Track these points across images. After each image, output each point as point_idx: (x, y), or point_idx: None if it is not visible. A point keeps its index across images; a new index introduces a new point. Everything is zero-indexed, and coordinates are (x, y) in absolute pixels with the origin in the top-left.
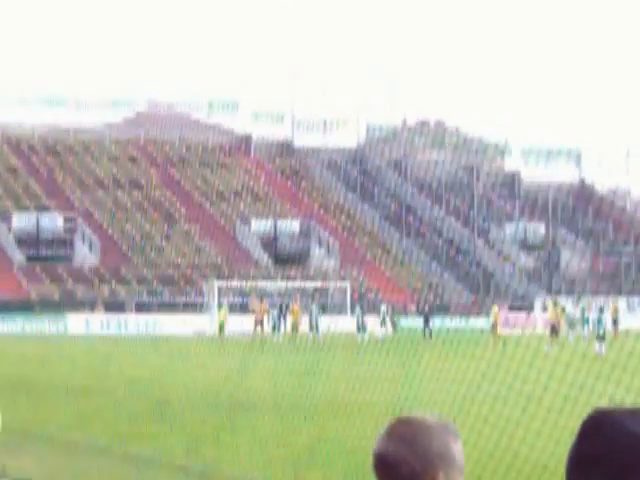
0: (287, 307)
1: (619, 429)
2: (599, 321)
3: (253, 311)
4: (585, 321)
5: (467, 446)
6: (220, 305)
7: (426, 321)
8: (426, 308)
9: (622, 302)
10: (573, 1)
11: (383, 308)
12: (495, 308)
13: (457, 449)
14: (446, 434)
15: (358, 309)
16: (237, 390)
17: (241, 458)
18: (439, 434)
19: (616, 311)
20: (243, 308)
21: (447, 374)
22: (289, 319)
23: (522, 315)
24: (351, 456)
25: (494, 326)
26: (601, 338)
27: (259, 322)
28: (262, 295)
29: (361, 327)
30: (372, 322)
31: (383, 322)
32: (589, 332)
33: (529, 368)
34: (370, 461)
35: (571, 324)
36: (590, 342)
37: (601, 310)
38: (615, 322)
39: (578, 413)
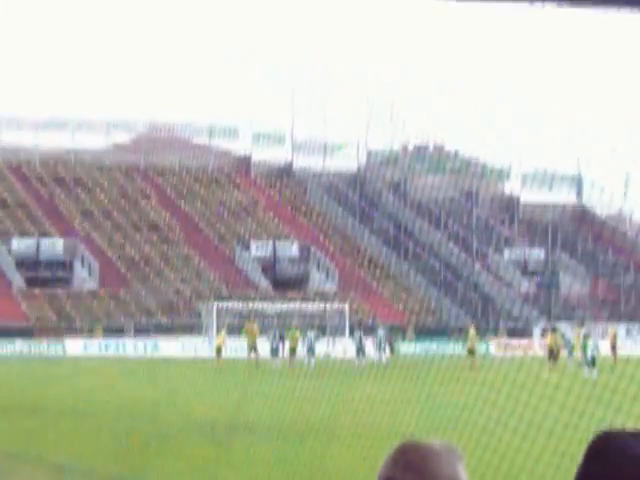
0: (285, 330)
1: (624, 451)
2: (584, 347)
3: (245, 334)
4: (584, 347)
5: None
6: (218, 328)
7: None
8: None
9: (622, 328)
10: (574, 27)
11: (380, 332)
12: (471, 330)
13: (464, 474)
14: (453, 459)
15: (358, 333)
16: (234, 415)
17: None
18: (447, 459)
19: (615, 337)
20: (242, 331)
21: (444, 398)
22: (287, 343)
23: (522, 340)
24: None
25: (470, 350)
26: (590, 364)
27: (252, 345)
28: (255, 318)
29: (360, 351)
30: (370, 345)
31: (380, 346)
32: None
33: (529, 393)
34: None
35: (570, 350)
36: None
37: (586, 336)
38: (614, 348)
39: (578, 439)
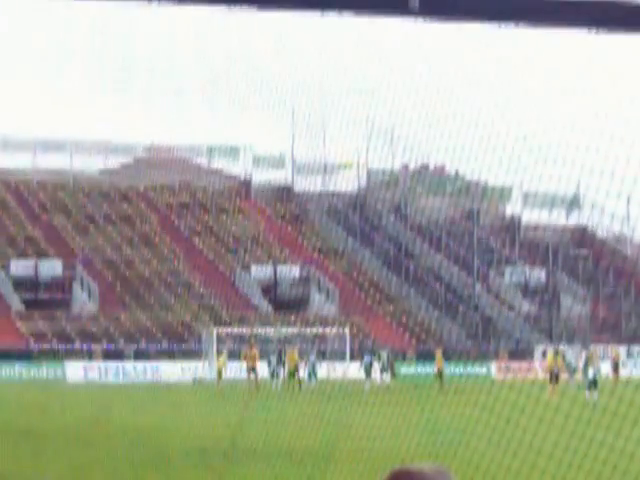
0: (285, 353)
1: None
2: (585, 370)
3: (244, 357)
4: (585, 369)
5: None
6: (219, 352)
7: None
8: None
9: (623, 350)
10: (574, 47)
11: (384, 354)
12: (438, 353)
13: None
14: None
15: (367, 356)
16: (235, 439)
17: None
18: None
19: (617, 358)
20: (241, 355)
21: (445, 421)
22: (287, 365)
23: (523, 362)
24: None
25: (439, 372)
26: (591, 386)
27: (251, 369)
28: (254, 341)
29: (368, 374)
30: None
31: (384, 368)
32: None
33: (529, 416)
34: None
35: (571, 372)
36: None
37: (588, 359)
38: (616, 369)
39: (577, 462)
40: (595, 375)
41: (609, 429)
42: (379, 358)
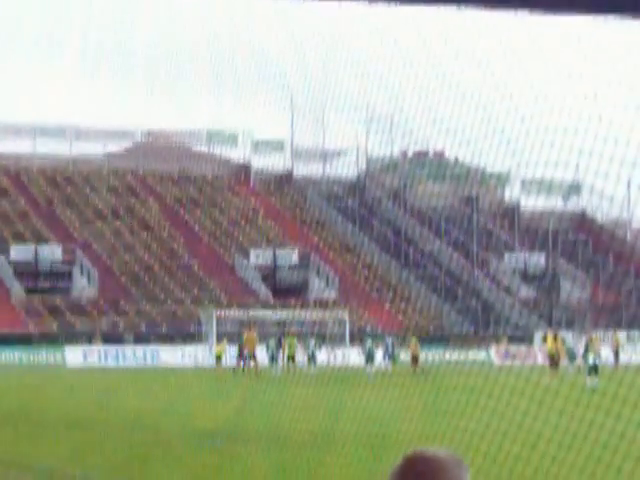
0: (284, 338)
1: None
2: (586, 355)
3: (244, 342)
4: (585, 354)
5: None
6: (219, 336)
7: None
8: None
9: (622, 334)
10: (575, 33)
11: (388, 340)
12: (414, 339)
13: None
14: (459, 469)
15: (369, 341)
16: (234, 423)
17: None
18: (454, 470)
19: (617, 343)
20: (241, 339)
21: (446, 407)
22: (286, 350)
23: (522, 347)
24: None
25: (414, 358)
26: (591, 371)
27: (250, 353)
28: (255, 326)
29: (370, 359)
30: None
31: (387, 354)
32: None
33: (529, 400)
34: None
35: (571, 357)
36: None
37: (588, 344)
38: (616, 354)
39: (577, 446)
40: (595, 360)
41: (609, 413)
42: (382, 343)
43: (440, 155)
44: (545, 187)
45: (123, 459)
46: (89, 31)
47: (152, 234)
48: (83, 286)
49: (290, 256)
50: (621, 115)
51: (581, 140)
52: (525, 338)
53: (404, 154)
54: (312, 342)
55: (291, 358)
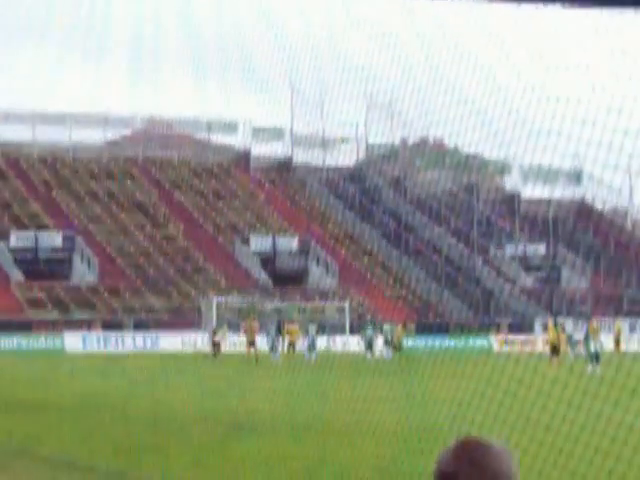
0: (284, 326)
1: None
2: (587, 343)
3: (245, 331)
4: (586, 342)
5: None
6: (218, 323)
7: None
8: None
9: (623, 322)
10: (573, 21)
11: (387, 327)
12: (399, 326)
13: (516, 472)
14: (508, 457)
15: (370, 329)
16: (234, 410)
17: None
18: (505, 457)
19: (619, 332)
20: (241, 326)
21: (446, 394)
22: (287, 338)
23: (523, 336)
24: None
25: (398, 344)
26: (593, 359)
27: (251, 342)
28: (254, 313)
29: (370, 347)
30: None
31: (388, 342)
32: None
33: (529, 389)
34: None
35: (572, 344)
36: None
37: (589, 332)
38: (617, 342)
39: (575, 434)
40: (597, 348)
41: (608, 401)
42: (381, 331)
43: (440, 143)
44: (546, 175)
45: (122, 445)
46: (92, 17)
47: (152, 221)
48: (83, 273)
49: (290, 243)
50: (620, 103)
51: (580, 128)
52: (526, 326)
53: (404, 142)
54: (312, 330)
55: (292, 345)
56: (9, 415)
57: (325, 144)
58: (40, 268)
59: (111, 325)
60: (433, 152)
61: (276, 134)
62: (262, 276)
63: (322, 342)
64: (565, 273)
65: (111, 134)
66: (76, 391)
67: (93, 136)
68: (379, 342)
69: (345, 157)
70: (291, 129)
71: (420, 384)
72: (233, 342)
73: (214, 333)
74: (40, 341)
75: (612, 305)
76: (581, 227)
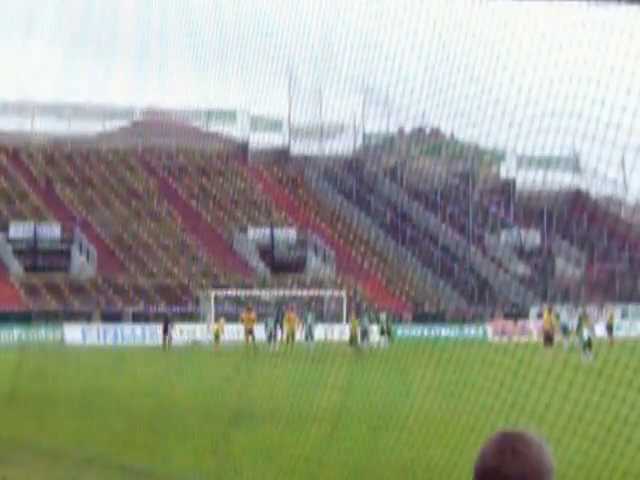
0: (283, 315)
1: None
2: (580, 330)
3: (242, 321)
4: (579, 329)
5: (461, 459)
6: (217, 314)
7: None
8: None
9: (617, 310)
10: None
11: (382, 316)
12: (383, 315)
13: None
14: (548, 449)
15: (365, 318)
16: (234, 400)
17: (241, 470)
18: (546, 449)
19: (612, 318)
20: (239, 318)
21: (443, 384)
22: (285, 328)
23: (518, 323)
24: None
25: (387, 331)
26: (586, 346)
27: (249, 332)
28: (252, 304)
29: (365, 336)
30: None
31: (383, 331)
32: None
33: (522, 378)
34: (373, 471)
35: (566, 332)
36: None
37: (582, 319)
38: (610, 330)
39: (571, 425)
40: (590, 336)
41: (604, 392)
42: (377, 320)
43: (436, 131)
44: (541, 164)
45: (122, 436)
46: (89, 7)
47: (151, 212)
48: (82, 264)
49: (288, 233)
50: (614, 96)
51: (576, 119)
52: (521, 314)
53: (401, 131)
54: (310, 319)
55: (290, 335)
56: (10, 408)
57: (322, 133)
58: (39, 260)
59: (110, 317)
60: (430, 141)
61: (274, 124)
62: (260, 266)
63: (320, 331)
64: (560, 261)
65: (110, 125)
66: (78, 384)
67: (92, 127)
68: (378, 331)
69: (342, 146)
70: (288, 119)
71: (410, 372)
72: (231, 331)
73: (214, 323)
74: (40, 333)
75: (606, 293)
76: (576, 215)
